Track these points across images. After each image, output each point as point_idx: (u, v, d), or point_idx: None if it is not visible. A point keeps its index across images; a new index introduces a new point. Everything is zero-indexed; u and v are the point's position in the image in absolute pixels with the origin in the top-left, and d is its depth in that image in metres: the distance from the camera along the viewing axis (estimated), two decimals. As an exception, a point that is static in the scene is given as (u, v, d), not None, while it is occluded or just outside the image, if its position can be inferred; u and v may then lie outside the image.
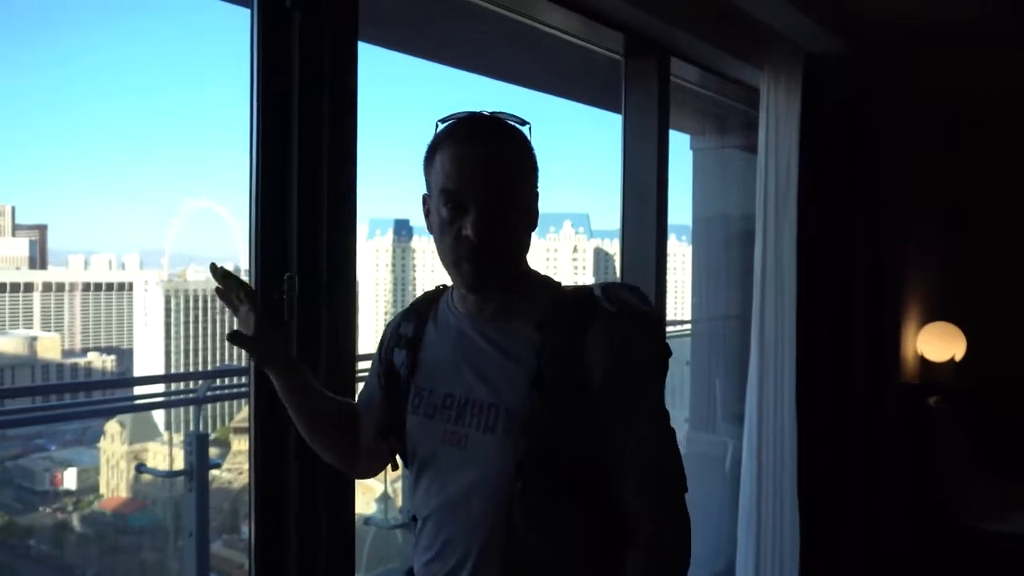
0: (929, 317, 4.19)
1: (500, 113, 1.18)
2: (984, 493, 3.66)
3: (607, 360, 1.12)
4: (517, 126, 1.18)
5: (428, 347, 1.25)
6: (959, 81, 3.49)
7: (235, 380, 3.60)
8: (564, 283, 1.24)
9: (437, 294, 1.30)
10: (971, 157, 4.37)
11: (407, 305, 1.33)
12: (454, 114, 1.18)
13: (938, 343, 4.11)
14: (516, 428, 1.12)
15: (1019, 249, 4.23)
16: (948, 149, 4.36)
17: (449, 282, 1.25)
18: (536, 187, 1.20)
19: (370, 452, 1.34)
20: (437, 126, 1.19)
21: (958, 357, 4.07)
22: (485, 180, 1.12)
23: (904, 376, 4.03)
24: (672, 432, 1.17)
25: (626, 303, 1.17)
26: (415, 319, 1.28)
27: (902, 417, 3.73)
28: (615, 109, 2.61)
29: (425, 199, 1.20)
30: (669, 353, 1.20)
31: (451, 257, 1.16)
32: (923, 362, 4.14)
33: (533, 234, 1.20)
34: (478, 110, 1.18)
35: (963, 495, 3.66)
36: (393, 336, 1.30)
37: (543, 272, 1.26)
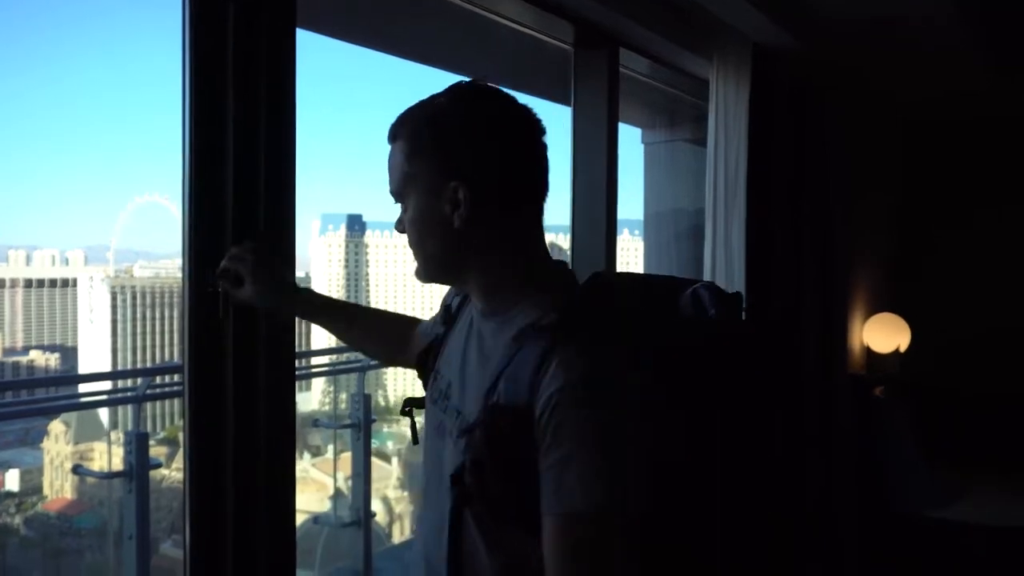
0: (874, 308, 4.25)
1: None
2: (927, 481, 3.73)
3: (551, 393, 0.96)
4: (406, 114, 1.09)
5: (454, 329, 1.21)
6: (910, 78, 3.54)
7: (177, 378, 3.51)
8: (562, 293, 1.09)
9: None
10: (919, 152, 4.45)
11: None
12: None
13: (883, 334, 4.18)
14: (464, 438, 1.04)
15: (960, 243, 4.32)
16: (897, 143, 4.43)
17: None
18: (438, 174, 1.05)
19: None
20: None
21: (902, 348, 4.15)
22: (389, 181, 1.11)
23: (851, 367, 4.09)
24: (614, 483, 0.97)
25: (597, 331, 1.01)
26: (461, 297, 1.24)
27: (850, 407, 3.79)
28: (564, 102, 2.59)
29: None
30: (609, 386, 0.98)
31: None
32: (869, 353, 4.21)
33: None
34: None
35: (906, 483, 3.73)
36: (447, 307, 1.27)
37: (556, 271, 1.13)
